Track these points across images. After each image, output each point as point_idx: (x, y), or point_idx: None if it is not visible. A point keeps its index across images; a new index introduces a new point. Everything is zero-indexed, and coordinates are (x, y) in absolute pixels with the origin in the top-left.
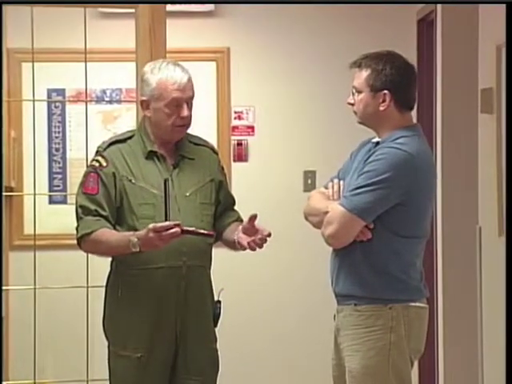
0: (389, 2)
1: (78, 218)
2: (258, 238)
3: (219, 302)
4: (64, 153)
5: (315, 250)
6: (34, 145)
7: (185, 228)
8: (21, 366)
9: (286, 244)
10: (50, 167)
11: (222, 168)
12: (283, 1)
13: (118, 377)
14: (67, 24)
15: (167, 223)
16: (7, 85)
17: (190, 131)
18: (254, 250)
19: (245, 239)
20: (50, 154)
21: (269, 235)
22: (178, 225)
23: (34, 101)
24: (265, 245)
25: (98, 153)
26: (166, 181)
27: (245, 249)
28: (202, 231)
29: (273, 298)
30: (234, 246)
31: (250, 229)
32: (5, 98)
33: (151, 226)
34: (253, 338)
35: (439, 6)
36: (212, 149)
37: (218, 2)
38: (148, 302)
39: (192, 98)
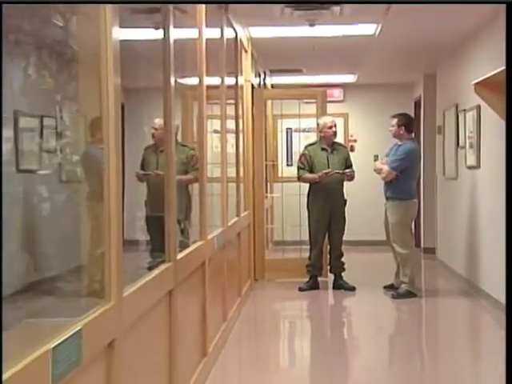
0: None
1: (298, 171)
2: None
3: (346, 200)
4: (291, 149)
5: (378, 183)
6: (281, 145)
7: (335, 171)
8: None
9: (369, 181)
10: (287, 154)
11: (348, 153)
12: (285, 1)
13: (310, 219)
14: (291, 104)
15: (328, 170)
16: (272, 129)
17: (336, 140)
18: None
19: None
20: (288, 149)
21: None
22: (331, 170)
23: (281, 132)
24: (362, 182)
25: (304, 148)
26: (327, 157)
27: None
28: (342, 172)
29: (362, 199)
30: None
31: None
32: (268, 130)
33: (323, 171)
34: (357, 211)
35: (422, 100)
36: (344, 146)
37: (219, 2)
38: (320, 197)
39: (335, 130)
